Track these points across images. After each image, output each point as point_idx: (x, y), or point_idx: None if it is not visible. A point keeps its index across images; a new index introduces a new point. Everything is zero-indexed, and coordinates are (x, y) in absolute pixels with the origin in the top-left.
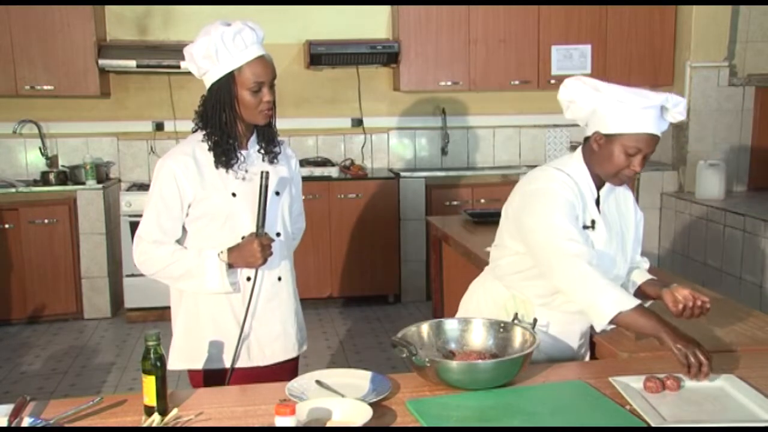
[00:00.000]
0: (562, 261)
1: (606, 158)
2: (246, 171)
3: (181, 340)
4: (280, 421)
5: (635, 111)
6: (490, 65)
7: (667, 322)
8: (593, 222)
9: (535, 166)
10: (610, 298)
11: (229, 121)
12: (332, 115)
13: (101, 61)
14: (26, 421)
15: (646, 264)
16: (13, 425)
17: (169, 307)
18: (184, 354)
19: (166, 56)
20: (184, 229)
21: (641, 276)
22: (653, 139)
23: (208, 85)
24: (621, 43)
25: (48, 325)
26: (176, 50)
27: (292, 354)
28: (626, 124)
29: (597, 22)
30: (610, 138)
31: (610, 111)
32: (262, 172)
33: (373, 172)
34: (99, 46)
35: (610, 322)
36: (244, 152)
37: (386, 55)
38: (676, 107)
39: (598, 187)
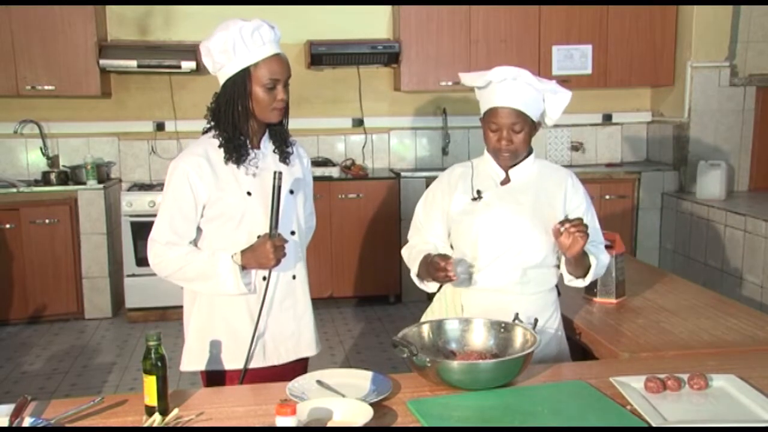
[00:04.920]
0: None
1: (485, 139)
2: (257, 167)
3: (194, 340)
4: (281, 421)
5: (482, 92)
6: (491, 65)
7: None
8: (479, 192)
9: None
10: (413, 261)
11: (241, 117)
12: (333, 115)
13: (102, 61)
14: (27, 421)
15: (597, 256)
16: (14, 425)
17: (170, 307)
18: (198, 355)
19: (167, 56)
20: (198, 229)
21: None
22: (505, 113)
23: (222, 80)
24: (622, 43)
25: (49, 325)
26: (177, 50)
27: (307, 353)
28: (482, 104)
29: (598, 22)
30: (483, 120)
31: (478, 96)
32: (275, 173)
33: (374, 172)
34: (100, 46)
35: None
36: (256, 151)
37: (387, 55)
38: (505, 75)
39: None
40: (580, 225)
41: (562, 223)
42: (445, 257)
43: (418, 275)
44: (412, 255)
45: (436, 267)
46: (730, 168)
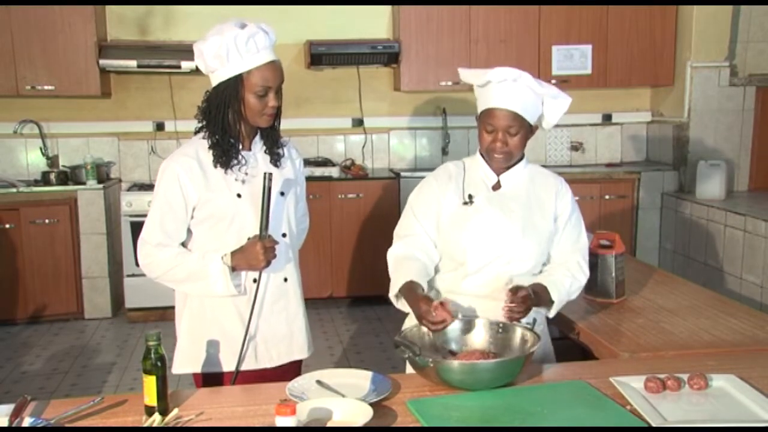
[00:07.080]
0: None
1: (479, 138)
2: (246, 174)
3: (186, 342)
4: (281, 421)
5: (480, 91)
6: (491, 65)
7: (422, 301)
8: (470, 197)
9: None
10: (395, 279)
11: (232, 121)
12: (333, 115)
13: (102, 61)
14: (27, 421)
15: (564, 277)
16: (14, 425)
17: (170, 307)
18: (189, 357)
19: (166, 56)
20: (189, 231)
21: (539, 278)
22: (502, 114)
23: (214, 83)
24: (622, 43)
25: (49, 325)
26: (177, 50)
27: (300, 356)
28: (479, 103)
29: (598, 22)
30: (479, 119)
31: (476, 94)
32: (265, 174)
33: (374, 172)
34: (100, 46)
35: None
36: (246, 153)
37: (387, 55)
38: (507, 76)
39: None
40: (519, 308)
41: (509, 294)
42: (428, 300)
43: (396, 294)
44: (396, 267)
45: (428, 319)
46: (730, 168)
